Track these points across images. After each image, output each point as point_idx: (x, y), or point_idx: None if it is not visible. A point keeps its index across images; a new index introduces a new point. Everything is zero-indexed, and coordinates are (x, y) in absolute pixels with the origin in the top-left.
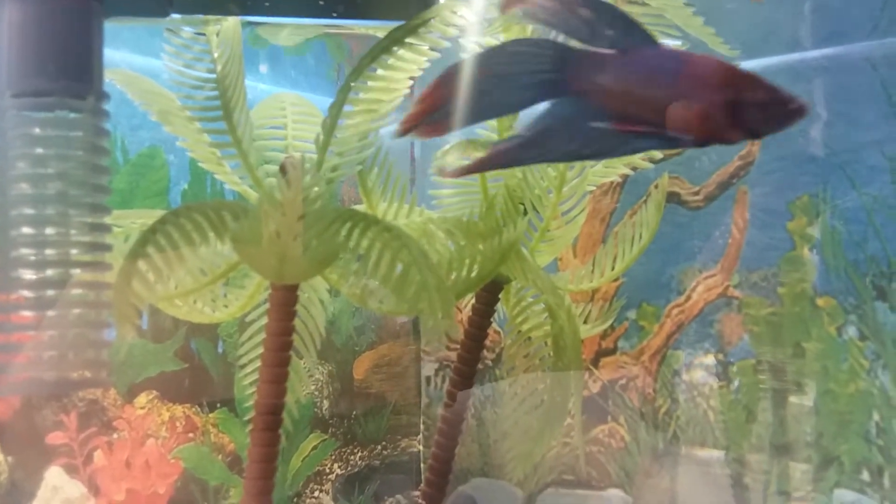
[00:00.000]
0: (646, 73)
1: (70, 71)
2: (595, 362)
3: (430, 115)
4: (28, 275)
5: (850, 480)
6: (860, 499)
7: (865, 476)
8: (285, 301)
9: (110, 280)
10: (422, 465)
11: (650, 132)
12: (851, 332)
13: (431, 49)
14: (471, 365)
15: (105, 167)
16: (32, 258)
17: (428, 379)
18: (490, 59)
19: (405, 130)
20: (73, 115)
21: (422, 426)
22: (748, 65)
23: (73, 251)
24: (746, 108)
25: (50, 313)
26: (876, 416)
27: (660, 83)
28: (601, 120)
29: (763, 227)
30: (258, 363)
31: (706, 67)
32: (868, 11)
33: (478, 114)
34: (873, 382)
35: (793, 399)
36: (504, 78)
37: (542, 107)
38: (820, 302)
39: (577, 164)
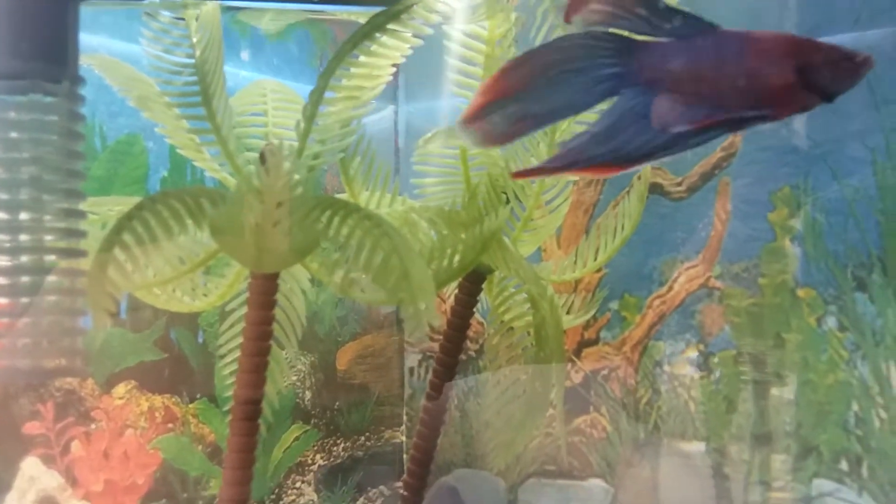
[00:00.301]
0: (712, 55)
1: (45, 54)
2: (577, 353)
3: (491, 112)
4: (2, 261)
5: (828, 470)
6: (839, 488)
7: (844, 466)
8: (265, 290)
9: (86, 267)
10: (405, 455)
11: (723, 119)
12: (831, 322)
13: (415, 36)
14: (453, 356)
15: (80, 152)
16: (7, 244)
17: (411, 370)
18: (553, 55)
19: (468, 122)
20: (47, 98)
21: (405, 417)
22: None
23: (48, 237)
24: (817, 72)
25: (24, 300)
26: (855, 407)
27: (727, 63)
28: (671, 108)
29: (745, 218)
30: (238, 353)
31: (769, 41)
32: (850, 3)
33: (547, 116)
34: (852, 373)
35: (773, 390)
36: (571, 75)
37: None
38: (800, 293)
39: None
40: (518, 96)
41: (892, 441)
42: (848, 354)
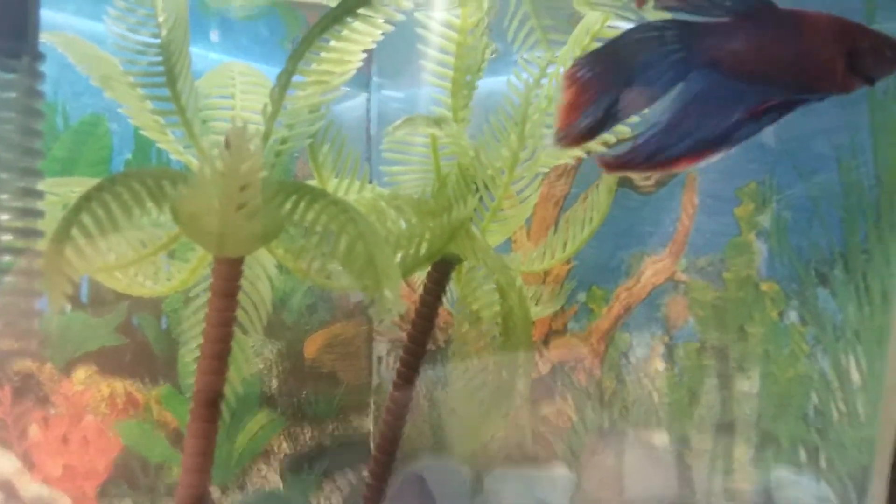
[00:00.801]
0: (768, 34)
1: (3, 30)
2: (545, 343)
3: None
4: None
5: (787, 460)
6: (797, 478)
7: (803, 456)
8: (229, 275)
9: (42, 248)
10: (372, 443)
11: (779, 102)
12: (793, 317)
13: (386, 22)
14: (421, 344)
15: (39, 130)
16: None
17: (380, 359)
18: (621, 52)
19: (571, 142)
20: (6, 75)
21: (372, 406)
22: None
23: (4, 217)
24: (863, 56)
25: None
26: (815, 399)
27: (783, 43)
28: (732, 87)
29: (711, 213)
30: (201, 339)
31: (823, 22)
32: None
33: (625, 111)
34: (812, 366)
35: (736, 381)
36: (641, 67)
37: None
38: (764, 287)
39: (530, 145)
40: (597, 98)
41: (850, 433)
42: (809, 348)
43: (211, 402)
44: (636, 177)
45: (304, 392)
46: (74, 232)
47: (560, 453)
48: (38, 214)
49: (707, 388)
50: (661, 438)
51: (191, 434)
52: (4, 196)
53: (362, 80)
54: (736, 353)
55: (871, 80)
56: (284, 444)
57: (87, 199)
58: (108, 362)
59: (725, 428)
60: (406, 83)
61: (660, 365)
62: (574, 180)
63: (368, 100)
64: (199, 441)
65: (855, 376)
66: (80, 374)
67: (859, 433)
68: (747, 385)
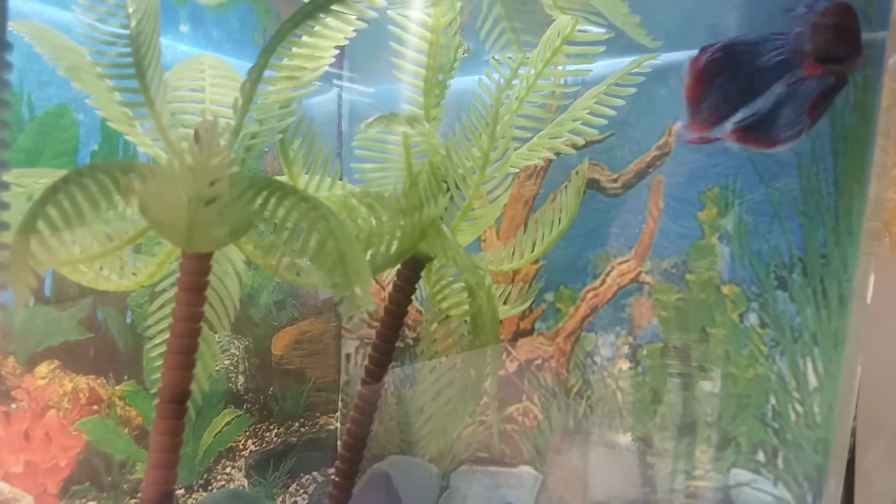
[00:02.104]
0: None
1: None
2: (513, 342)
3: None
4: None
5: (746, 461)
6: (755, 478)
7: (761, 457)
8: (196, 271)
9: (7, 241)
10: (339, 442)
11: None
12: (753, 319)
13: (359, 19)
14: (390, 342)
15: (5, 121)
16: None
17: (348, 356)
18: (749, 54)
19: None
20: None
21: (340, 404)
22: (670, 57)
23: None
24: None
25: None
26: (773, 400)
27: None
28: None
29: (675, 216)
30: (167, 335)
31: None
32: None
33: (738, 103)
34: (771, 368)
35: (697, 382)
36: (756, 67)
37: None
38: (725, 289)
39: (500, 145)
40: (718, 87)
41: (807, 434)
42: (767, 350)
43: (177, 399)
44: (603, 179)
45: (271, 389)
46: (40, 224)
47: (525, 452)
48: (3, 206)
49: (669, 388)
50: (624, 438)
51: (156, 431)
52: None
53: (334, 76)
54: (697, 354)
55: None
56: (250, 443)
57: (53, 190)
58: (72, 357)
59: (687, 428)
60: (378, 79)
61: (624, 365)
62: (543, 181)
63: (340, 95)
64: (165, 438)
65: (812, 378)
66: (43, 368)
67: (815, 434)
68: (708, 386)
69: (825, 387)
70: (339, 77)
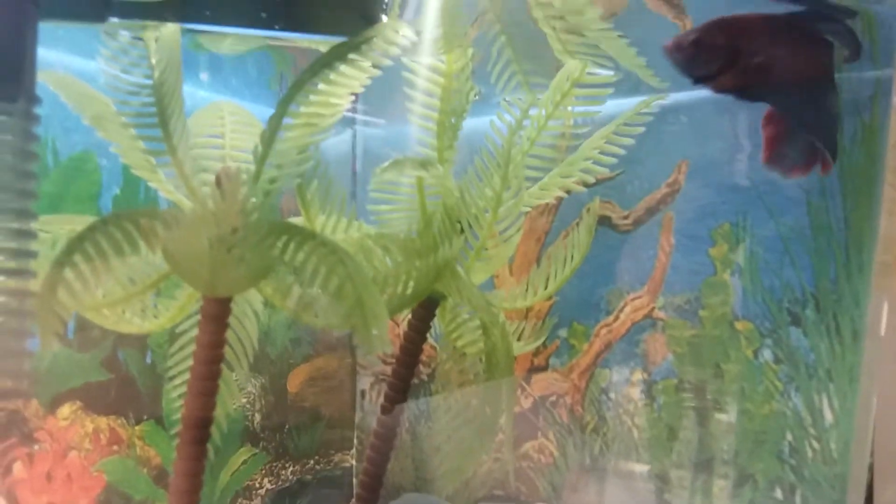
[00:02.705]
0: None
1: (1, 74)
2: (527, 379)
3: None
4: None
5: (764, 498)
6: None
7: (779, 494)
8: (217, 313)
9: (35, 288)
10: (354, 479)
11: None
12: (767, 355)
13: (374, 67)
14: (405, 380)
15: (33, 173)
16: None
17: (363, 393)
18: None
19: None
20: (2, 118)
21: (355, 440)
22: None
23: None
24: None
25: None
26: (789, 437)
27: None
28: None
29: (686, 253)
30: (187, 375)
31: None
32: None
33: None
34: (787, 404)
35: (713, 418)
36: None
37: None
38: (738, 325)
39: (513, 186)
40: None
41: (824, 470)
42: (782, 386)
43: (199, 440)
44: (615, 216)
45: (287, 427)
46: (67, 273)
47: (542, 489)
48: (32, 255)
49: (685, 424)
50: (641, 475)
51: (178, 472)
52: None
53: (347, 117)
54: (713, 390)
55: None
56: (266, 481)
57: (80, 239)
58: (93, 398)
59: (704, 464)
60: (391, 120)
61: (639, 401)
62: (555, 217)
63: (354, 136)
64: (186, 479)
65: (828, 414)
66: (65, 410)
67: (833, 470)
68: (725, 422)
69: (841, 423)
70: (353, 118)
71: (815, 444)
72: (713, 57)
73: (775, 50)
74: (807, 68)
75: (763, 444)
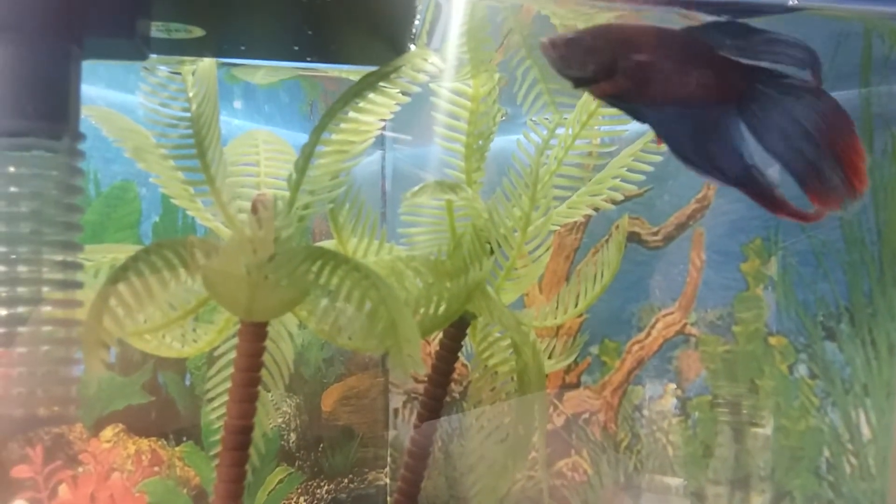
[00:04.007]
0: None
1: (47, 112)
2: (559, 396)
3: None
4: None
5: None
6: None
7: None
8: (254, 337)
9: (80, 317)
10: (388, 498)
11: None
12: (802, 370)
13: (402, 93)
14: (438, 399)
15: (78, 206)
16: (4, 295)
17: (396, 411)
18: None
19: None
20: (48, 154)
21: (389, 459)
22: None
23: (45, 289)
24: None
25: (20, 350)
26: (826, 453)
27: None
28: None
29: (718, 268)
30: (225, 397)
31: None
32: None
33: None
34: (823, 420)
35: (748, 435)
36: None
37: None
38: (772, 341)
39: (542, 205)
40: None
41: (862, 487)
42: (818, 401)
43: (238, 462)
44: (644, 232)
45: (321, 446)
46: (112, 302)
47: None
48: (78, 286)
49: (721, 440)
50: (676, 492)
51: (218, 496)
52: (46, 269)
53: (377, 139)
54: (748, 406)
55: None
56: (302, 500)
57: (124, 269)
58: (135, 420)
59: (740, 482)
60: (419, 141)
61: (673, 418)
62: (584, 234)
63: (383, 157)
64: (232, 470)
65: (865, 429)
66: (108, 432)
67: (871, 486)
68: (761, 438)
69: (879, 438)
70: (382, 139)
71: (853, 460)
72: (588, 60)
73: (662, 65)
74: (702, 90)
75: (800, 461)
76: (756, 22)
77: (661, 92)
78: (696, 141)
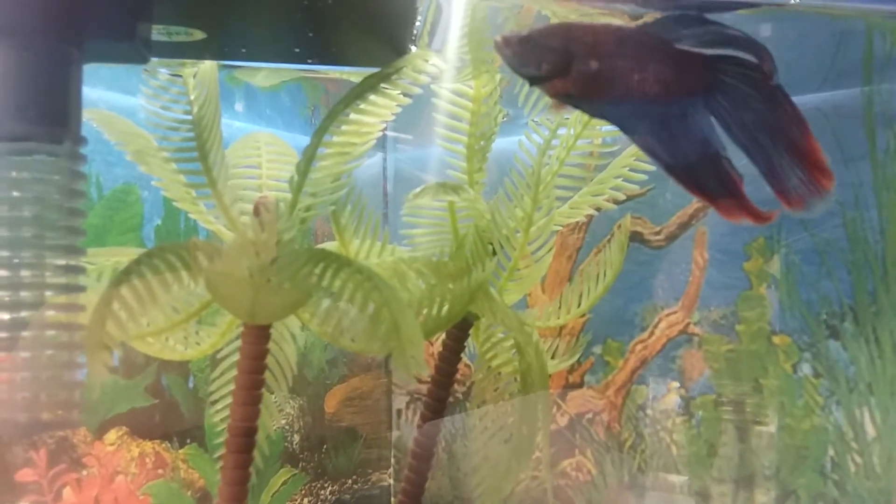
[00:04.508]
0: None
1: (49, 117)
2: (563, 396)
3: None
4: (3, 315)
5: None
6: None
7: None
8: (257, 339)
9: (83, 321)
10: (392, 499)
11: None
12: (806, 369)
13: (403, 95)
14: (441, 399)
15: (80, 210)
16: (7, 299)
17: (399, 412)
18: None
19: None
20: (50, 158)
21: (392, 460)
22: None
23: (48, 293)
24: None
25: (24, 355)
26: (831, 452)
27: None
28: None
29: (721, 267)
30: (229, 399)
31: None
32: (818, 65)
33: None
34: (828, 418)
35: (752, 434)
36: None
37: None
38: (776, 340)
39: (544, 205)
40: None
41: (867, 485)
42: (823, 400)
43: (242, 465)
44: (646, 232)
45: (325, 447)
46: (115, 306)
47: None
48: (80, 290)
49: (725, 440)
50: (681, 491)
51: (223, 497)
52: (49, 273)
53: (379, 140)
54: (752, 406)
55: None
56: (306, 501)
57: (127, 273)
58: (138, 423)
59: (745, 481)
60: (421, 142)
61: (677, 417)
62: (586, 234)
63: (385, 158)
64: (235, 472)
65: (870, 428)
66: (112, 435)
67: (876, 485)
68: (764, 437)
69: (884, 437)
70: (384, 140)
71: (858, 459)
72: (542, 58)
73: (617, 62)
74: (663, 85)
75: (805, 460)
76: (712, 16)
77: (618, 88)
78: (661, 136)
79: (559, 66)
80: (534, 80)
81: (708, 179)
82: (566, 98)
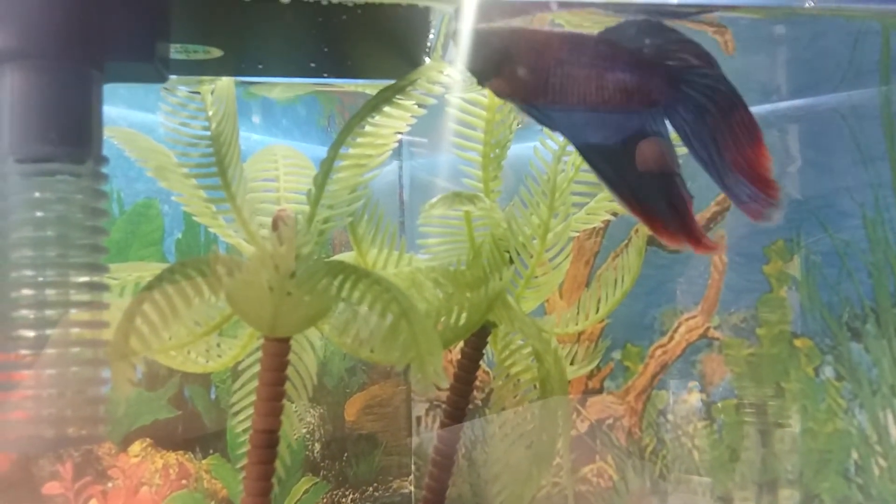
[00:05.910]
0: None
1: (71, 137)
2: (582, 402)
3: None
4: (28, 334)
5: None
6: None
7: None
8: (278, 352)
9: (107, 337)
10: None
11: None
12: (828, 372)
13: (418, 105)
14: (461, 407)
15: (103, 228)
16: (32, 318)
17: (419, 419)
18: None
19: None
20: (72, 178)
21: (413, 467)
22: None
23: (72, 311)
24: None
25: (49, 371)
26: (855, 455)
27: None
28: None
29: (740, 270)
30: (251, 410)
31: None
32: (835, 65)
33: None
34: (851, 422)
35: (775, 438)
36: None
37: None
38: (797, 343)
39: (561, 212)
40: None
41: (892, 489)
42: (846, 403)
43: (264, 476)
44: None
45: (346, 455)
46: (138, 321)
47: None
48: (104, 307)
49: (747, 444)
50: (703, 497)
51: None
52: (72, 291)
53: (394, 149)
54: (774, 409)
55: None
56: None
57: (149, 289)
58: (162, 434)
59: (768, 485)
60: (436, 150)
61: (699, 422)
62: (604, 238)
63: (400, 167)
64: (258, 483)
65: (893, 431)
66: (136, 447)
67: None
68: (787, 441)
69: None
70: (399, 149)
71: (882, 462)
72: (480, 54)
73: (565, 68)
74: (619, 95)
75: (828, 463)
76: (667, 22)
77: (564, 95)
78: (611, 149)
79: (493, 64)
80: (478, 78)
81: (657, 200)
82: (510, 100)
